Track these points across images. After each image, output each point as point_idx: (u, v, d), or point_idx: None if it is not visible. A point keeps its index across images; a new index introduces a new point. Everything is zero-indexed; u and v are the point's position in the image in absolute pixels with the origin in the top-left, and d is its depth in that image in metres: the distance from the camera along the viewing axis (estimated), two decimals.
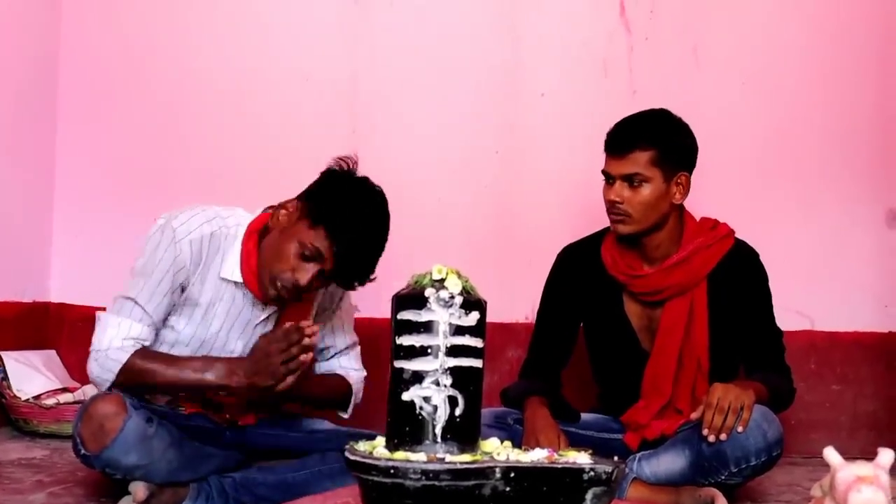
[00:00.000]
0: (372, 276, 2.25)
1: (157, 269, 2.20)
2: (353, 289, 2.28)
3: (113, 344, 2.19)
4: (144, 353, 2.21)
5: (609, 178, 2.48)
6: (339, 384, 2.47)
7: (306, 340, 2.13)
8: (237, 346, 2.32)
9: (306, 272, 2.16)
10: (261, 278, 2.22)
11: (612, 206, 2.46)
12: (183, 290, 2.25)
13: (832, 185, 3.27)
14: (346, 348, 2.52)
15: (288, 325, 2.17)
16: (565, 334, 2.65)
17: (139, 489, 2.11)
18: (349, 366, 2.51)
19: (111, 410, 2.10)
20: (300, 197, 2.23)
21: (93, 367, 2.21)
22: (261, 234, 2.26)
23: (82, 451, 2.13)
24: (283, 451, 2.35)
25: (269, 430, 2.40)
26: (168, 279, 2.21)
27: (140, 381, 2.20)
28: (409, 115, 3.41)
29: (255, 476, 2.29)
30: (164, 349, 2.27)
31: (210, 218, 2.26)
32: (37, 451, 2.86)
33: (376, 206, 2.24)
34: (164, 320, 2.27)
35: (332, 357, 2.51)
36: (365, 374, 2.53)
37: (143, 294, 2.21)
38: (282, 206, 2.24)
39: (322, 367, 2.50)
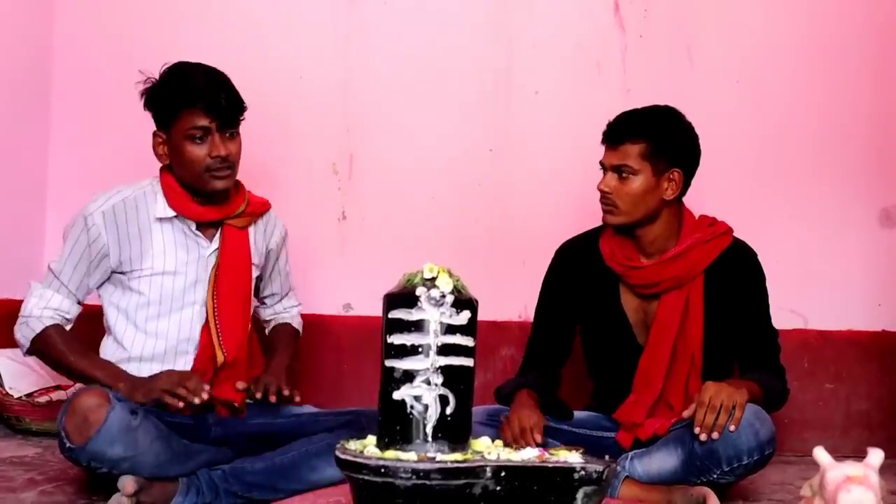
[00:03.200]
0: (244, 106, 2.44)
1: (74, 249, 2.40)
2: (243, 114, 2.43)
3: (34, 312, 2.41)
4: (62, 332, 2.41)
5: (603, 169, 2.51)
6: (293, 337, 2.79)
7: (195, 400, 2.23)
8: (198, 293, 2.45)
9: (215, 145, 2.35)
10: (199, 186, 2.39)
11: (602, 196, 2.50)
12: (120, 262, 2.40)
13: (825, 184, 3.27)
14: (286, 294, 2.82)
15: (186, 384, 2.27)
16: (563, 330, 2.65)
17: (128, 482, 2.11)
18: (289, 304, 2.83)
19: (94, 402, 2.13)
20: (155, 126, 2.43)
21: (16, 330, 2.45)
22: (170, 171, 2.44)
23: (67, 445, 2.15)
24: (269, 440, 2.38)
25: (254, 419, 2.44)
26: (85, 256, 2.40)
27: (47, 353, 2.42)
28: (402, 113, 3.41)
29: (243, 465, 2.31)
30: (132, 310, 2.43)
31: (119, 189, 2.45)
32: (29, 449, 2.86)
33: (180, 63, 2.44)
34: (103, 287, 2.45)
35: (276, 303, 2.80)
36: (301, 305, 2.88)
37: (64, 270, 2.41)
38: (153, 145, 2.43)
39: (266, 311, 2.81)
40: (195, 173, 2.37)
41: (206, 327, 2.45)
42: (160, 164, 2.48)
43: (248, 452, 2.35)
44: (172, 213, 2.42)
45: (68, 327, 2.44)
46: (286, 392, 2.38)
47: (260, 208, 2.57)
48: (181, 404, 2.22)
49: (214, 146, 2.35)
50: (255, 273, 2.60)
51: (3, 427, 3.13)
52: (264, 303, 2.79)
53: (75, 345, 2.41)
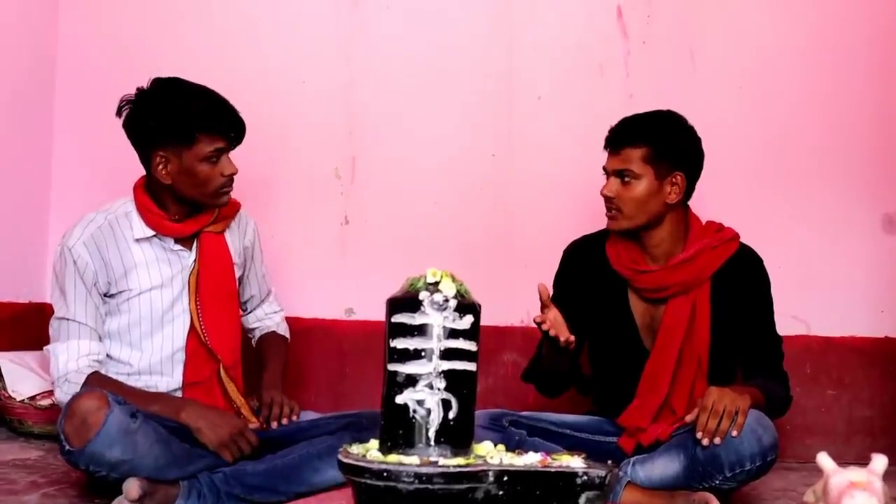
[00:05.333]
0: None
1: (68, 283, 2.39)
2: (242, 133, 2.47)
3: (69, 367, 2.37)
4: (102, 378, 2.36)
5: (606, 174, 2.52)
6: (282, 345, 2.77)
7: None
8: (185, 303, 2.46)
9: (227, 164, 2.42)
10: (207, 203, 2.44)
11: (606, 201, 2.51)
12: (108, 285, 2.41)
13: (828, 189, 3.27)
14: (266, 296, 2.81)
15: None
16: (575, 329, 2.65)
17: (132, 487, 2.10)
18: (271, 310, 2.82)
19: (93, 406, 2.13)
20: (154, 146, 2.38)
21: (58, 395, 2.38)
22: (147, 190, 2.46)
23: (67, 448, 2.15)
24: (271, 445, 2.38)
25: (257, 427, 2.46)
26: (80, 285, 2.39)
27: None
28: (405, 118, 3.41)
29: (244, 467, 2.31)
30: (125, 330, 2.44)
31: (91, 218, 2.45)
32: (31, 451, 2.86)
33: (176, 81, 2.44)
34: (107, 317, 2.44)
35: (257, 307, 2.79)
36: (283, 312, 2.86)
37: (71, 309, 2.40)
38: (153, 165, 2.39)
39: (250, 318, 2.79)
40: (208, 192, 2.42)
41: (192, 334, 2.47)
42: (135, 183, 2.50)
43: (249, 457, 2.35)
44: (151, 233, 2.45)
45: (102, 370, 2.41)
46: (286, 413, 2.45)
47: (232, 210, 2.58)
48: (230, 458, 2.28)
49: (227, 166, 2.42)
50: (237, 273, 2.62)
51: (5, 430, 3.13)
52: (245, 308, 2.77)
53: (119, 384, 2.37)
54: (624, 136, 2.49)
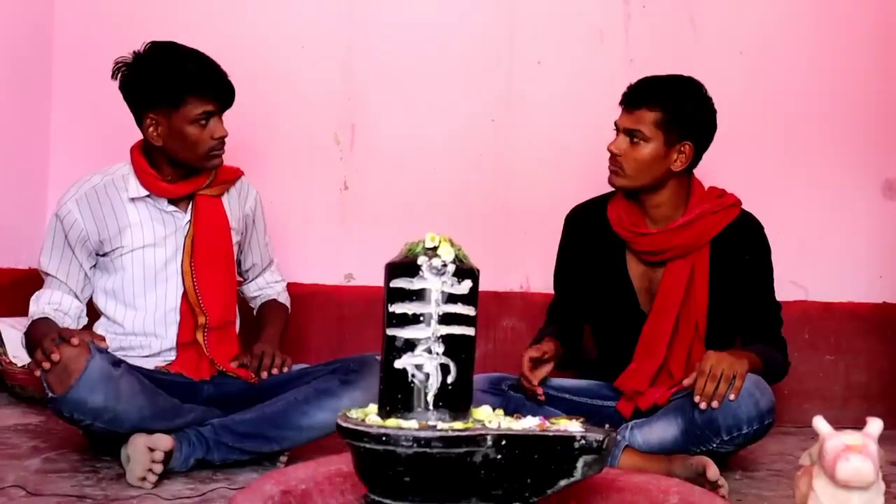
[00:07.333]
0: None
1: (55, 241, 2.46)
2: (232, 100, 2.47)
3: (31, 310, 2.44)
4: (40, 318, 2.40)
5: (617, 130, 2.50)
6: (282, 311, 2.78)
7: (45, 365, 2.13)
8: (174, 264, 2.49)
9: (217, 127, 2.43)
10: (198, 165, 2.45)
11: (610, 157, 2.49)
12: (100, 243, 2.45)
13: (829, 155, 3.26)
14: (268, 265, 2.81)
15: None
16: (578, 295, 2.66)
17: (165, 438, 2.14)
18: (272, 279, 2.83)
19: (74, 353, 2.14)
20: (145, 108, 2.41)
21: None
22: (143, 152, 2.49)
23: (50, 396, 2.16)
24: (261, 398, 2.40)
25: (244, 379, 2.48)
26: (63, 242, 2.45)
27: (29, 346, 2.35)
28: (405, 83, 3.40)
29: (232, 417, 2.34)
30: (119, 289, 2.48)
31: (89, 178, 2.49)
32: (32, 417, 2.88)
33: (170, 45, 2.45)
34: (95, 269, 2.49)
35: (258, 275, 2.79)
36: (286, 282, 2.87)
37: (50, 264, 2.46)
38: (145, 127, 2.42)
39: (251, 287, 2.80)
40: (199, 154, 2.43)
41: (185, 294, 2.49)
42: (132, 145, 2.52)
43: (238, 411, 2.37)
44: (145, 193, 2.47)
45: (66, 321, 2.42)
46: (277, 364, 2.45)
47: (232, 175, 2.60)
48: (37, 372, 2.16)
49: (217, 128, 2.43)
50: (235, 238, 2.62)
51: (6, 395, 3.15)
52: (246, 277, 2.78)
53: (44, 320, 2.38)
54: (641, 96, 2.46)
